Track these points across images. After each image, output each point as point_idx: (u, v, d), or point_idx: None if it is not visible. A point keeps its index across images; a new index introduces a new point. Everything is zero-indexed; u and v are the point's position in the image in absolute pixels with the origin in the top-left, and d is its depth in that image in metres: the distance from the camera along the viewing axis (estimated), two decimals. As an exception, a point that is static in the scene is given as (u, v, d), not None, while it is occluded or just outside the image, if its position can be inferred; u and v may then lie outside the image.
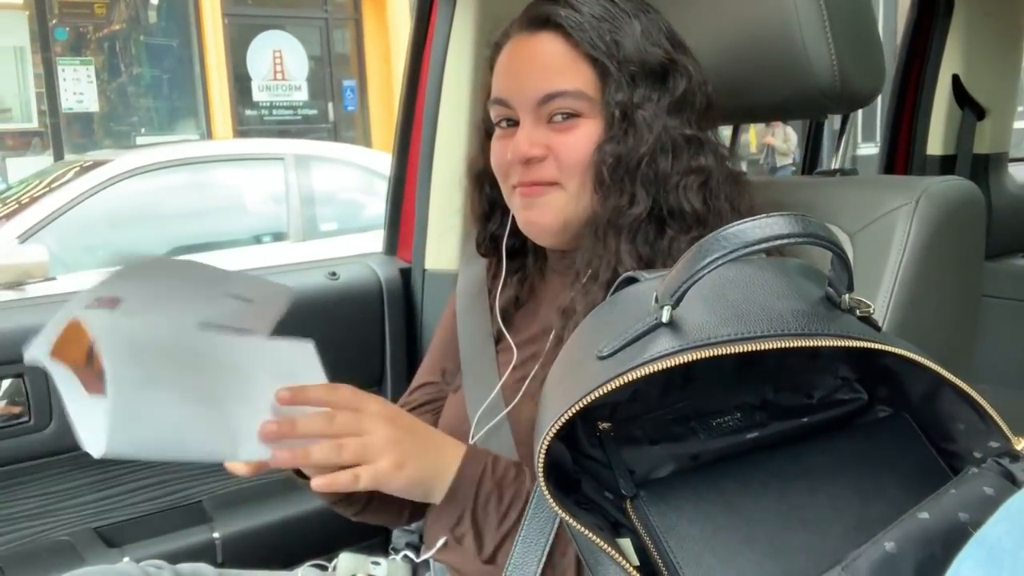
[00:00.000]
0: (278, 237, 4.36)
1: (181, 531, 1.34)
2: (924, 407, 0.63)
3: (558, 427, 0.55)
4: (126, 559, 1.09)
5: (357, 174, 4.67)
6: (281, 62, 8.68)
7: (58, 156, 7.36)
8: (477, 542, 0.82)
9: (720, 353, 0.54)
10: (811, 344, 0.56)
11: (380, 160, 4.62)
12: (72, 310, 0.68)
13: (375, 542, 1.41)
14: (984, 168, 2.16)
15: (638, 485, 0.62)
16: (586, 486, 0.64)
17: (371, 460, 0.75)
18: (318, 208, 4.49)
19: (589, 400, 0.54)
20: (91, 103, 7.81)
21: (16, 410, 1.24)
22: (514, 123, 0.90)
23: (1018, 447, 0.55)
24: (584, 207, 0.88)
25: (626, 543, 0.60)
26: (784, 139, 9.02)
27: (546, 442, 0.56)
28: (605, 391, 0.54)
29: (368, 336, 1.54)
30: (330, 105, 9.10)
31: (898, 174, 2.20)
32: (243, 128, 8.45)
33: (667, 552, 0.57)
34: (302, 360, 0.79)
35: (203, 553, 1.31)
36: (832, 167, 1.16)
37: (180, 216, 4.13)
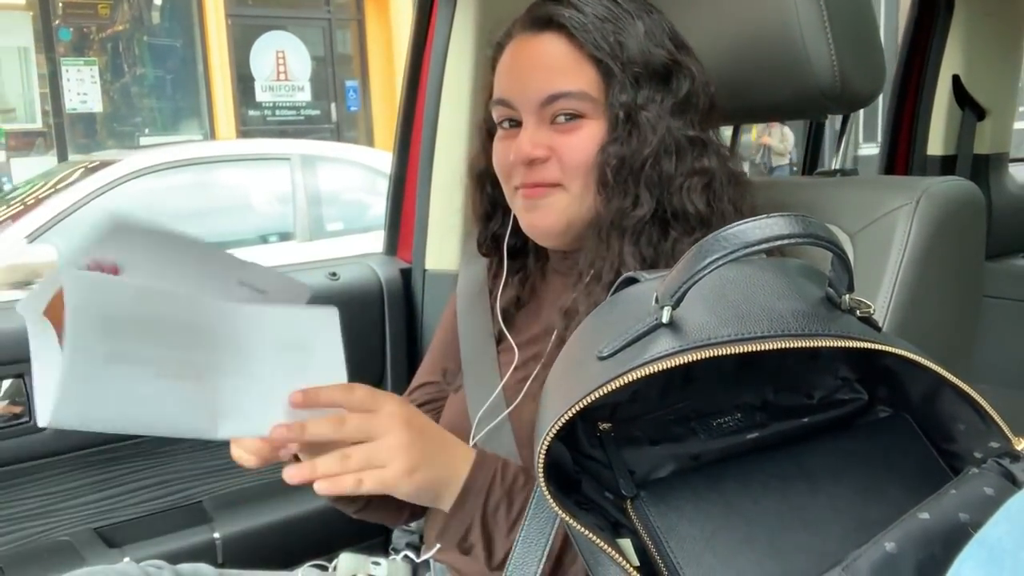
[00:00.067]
0: (284, 237, 4.37)
1: (181, 531, 1.34)
2: (924, 407, 0.63)
3: (558, 427, 0.55)
4: (126, 559, 1.08)
5: (362, 174, 4.68)
6: (284, 62, 8.70)
7: (62, 156, 7.37)
8: (487, 551, 0.80)
9: (720, 353, 0.54)
10: (811, 344, 0.56)
11: (385, 160, 4.61)
12: (67, 270, 0.66)
13: (375, 542, 1.41)
14: (984, 168, 2.16)
15: (638, 485, 0.61)
16: (586, 486, 0.63)
17: (380, 464, 0.74)
18: (324, 208, 4.51)
19: (589, 401, 0.54)
20: (95, 103, 7.83)
21: (16, 410, 1.24)
22: (517, 124, 0.89)
23: (1018, 447, 0.55)
24: (587, 209, 0.88)
25: (626, 543, 0.60)
26: (781, 139, 9.02)
27: (546, 442, 0.55)
28: (605, 391, 0.54)
29: (368, 336, 1.54)
30: (333, 105, 9.11)
31: (898, 174, 2.20)
32: (246, 128, 8.46)
33: (667, 552, 0.57)
34: (321, 328, 0.77)
35: (203, 553, 1.31)
36: (832, 167, 1.16)
37: (187, 216, 4.12)
